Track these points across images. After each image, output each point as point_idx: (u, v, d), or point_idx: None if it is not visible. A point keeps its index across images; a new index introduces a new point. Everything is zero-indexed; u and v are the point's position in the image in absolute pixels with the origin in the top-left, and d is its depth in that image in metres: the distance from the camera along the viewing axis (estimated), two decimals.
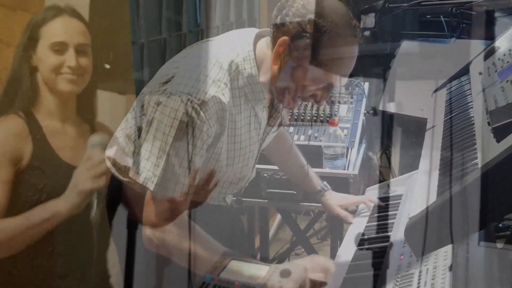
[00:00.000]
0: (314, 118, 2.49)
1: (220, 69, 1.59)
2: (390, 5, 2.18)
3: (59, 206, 1.62)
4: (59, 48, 1.73)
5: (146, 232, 1.60)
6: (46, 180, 1.73)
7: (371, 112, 2.59)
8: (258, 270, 1.40)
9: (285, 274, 1.39)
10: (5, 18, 2.10)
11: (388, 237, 1.73)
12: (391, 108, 2.45)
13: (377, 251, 1.71)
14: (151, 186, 1.54)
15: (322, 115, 2.50)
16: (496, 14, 2.26)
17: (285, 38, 1.55)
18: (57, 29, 1.75)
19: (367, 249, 1.76)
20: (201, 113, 1.51)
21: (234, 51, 1.63)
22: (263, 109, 1.72)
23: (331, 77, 1.58)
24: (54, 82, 1.74)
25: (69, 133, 1.81)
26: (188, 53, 1.71)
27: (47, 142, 1.76)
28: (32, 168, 1.72)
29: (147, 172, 1.54)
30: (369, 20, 2.32)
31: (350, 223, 2.01)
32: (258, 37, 1.65)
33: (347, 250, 1.80)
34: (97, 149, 1.62)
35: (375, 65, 2.64)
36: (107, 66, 1.96)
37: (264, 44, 1.63)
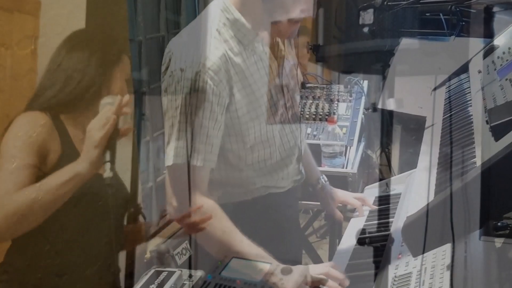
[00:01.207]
0: (313, 116, 2.49)
1: (208, 30, 1.64)
2: (389, 3, 2.17)
3: (78, 166, 1.60)
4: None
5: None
6: None
7: (370, 109, 2.59)
8: (259, 268, 1.40)
9: (286, 271, 1.39)
10: (2, 20, 2.10)
11: (386, 235, 1.73)
12: (390, 106, 2.45)
13: (375, 250, 1.71)
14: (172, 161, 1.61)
15: (321, 113, 2.49)
16: (495, 12, 2.25)
17: None
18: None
19: (366, 245, 1.76)
20: (206, 78, 1.56)
21: (212, 11, 1.68)
22: (264, 48, 1.73)
23: None
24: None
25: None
26: (175, 38, 1.75)
27: (74, 147, 1.77)
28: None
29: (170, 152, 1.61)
30: (368, 17, 2.31)
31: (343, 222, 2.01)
32: None
33: (346, 248, 1.80)
34: (109, 106, 1.62)
35: (374, 61, 2.64)
36: None
37: None
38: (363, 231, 1.87)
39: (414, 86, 2.42)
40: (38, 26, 2.29)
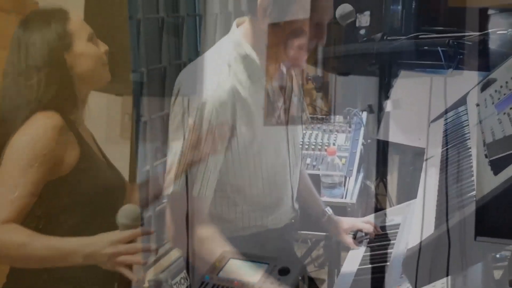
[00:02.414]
0: (313, 146, 2.51)
1: (218, 64, 1.67)
2: (388, 38, 2.21)
3: (78, 251, 1.55)
4: (93, 37, 1.76)
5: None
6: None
7: (367, 109, 2.60)
8: (257, 269, 1.40)
9: (284, 272, 1.40)
10: (0, 21, 2.12)
11: (385, 267, 1.73)
12: (389, 137, 2.47)
13: (374, 281, 1.71)
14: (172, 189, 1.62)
15: (320, 143, 2.51)
16: (493, 46, 2.28)
17: None
18: (82, 22, 1.77)
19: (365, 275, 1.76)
20: (211, 109, 1.59)
21: (224, 45, 1.72)
22: (273, 85, 1.77)
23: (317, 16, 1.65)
24: (99, 74, 1.78)
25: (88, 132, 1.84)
26: (185, 69, 1.78)
27: (89, 146, 1.77)
28: (79, 170, 1.70)
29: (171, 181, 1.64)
30: (364, 19, 2.34)
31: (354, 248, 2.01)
32: (239, 25, 1.74)
33: (346, 278, 1.80)
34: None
35: (374, 90, 2.66)
36: None
37: (247, 24, 1.71)
38: (362, 262, 1.88)
39: (412, 117, 2.44)
40: None
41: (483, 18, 2.45)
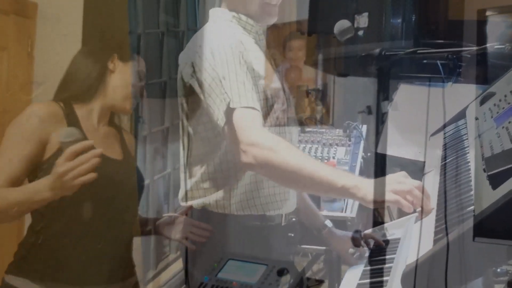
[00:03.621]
0: None
1: (216, 28, 1.89)
2: (386, 53, 2.21)
3: (41, 189, 1.62)
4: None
5: (245, 155, 1.68)
6: None
7: (365, 111, 2.59)
8: (255, 270, 1.40)
9: (282, 273, 1.39)
10: None
11: (385, 282, 1.72)
12: (389, 150, 2.47)
13: None
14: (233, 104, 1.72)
15: (320, 157, 2.51)
16: (492, 60, 2.29)
17: None
18: None
19: None
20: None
21: (214, 15, 1.95)
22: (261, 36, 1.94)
23: None
24: (126, 97, 1.91)
25: (101, 132, 1.91)
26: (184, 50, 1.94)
27: (85, 137, 1.80)
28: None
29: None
30: (363, 20, 2.33)
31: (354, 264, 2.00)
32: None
33: None
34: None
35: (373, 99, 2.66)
36: None
37: None
38: (362, 277, 1.87)
39: (412, 131, 2.44)
40: (35, 28, 2.32)
41: (482, 31, 2.46)
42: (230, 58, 1.75)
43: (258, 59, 1.86)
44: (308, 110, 3.00)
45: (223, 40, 1.80)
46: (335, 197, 2.05)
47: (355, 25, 2.27)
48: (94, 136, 1.83)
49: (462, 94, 2.31)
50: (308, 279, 1.47)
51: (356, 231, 2.02)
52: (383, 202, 1.58)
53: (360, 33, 2.30)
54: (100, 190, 1.77)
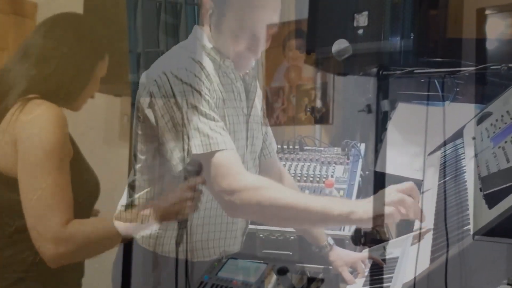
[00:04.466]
0: (311, 178, 2.51)
1: (182, 54, 1.80)
2: (384, 72, 2.23)
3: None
4: None
5: (224, 198, 1.61)
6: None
7: (365, 109, 2.59)
8: (255, 269, 1.40)
9: (282, 272, 1.39)
10: None
11: None
12: (386, 169, 2.47)
13: None
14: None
15: (318, 175, 2.51)
16: (490, 79, 2.30)
17: None
18: None
19: None
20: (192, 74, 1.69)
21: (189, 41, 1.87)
22: (235, 74, 1.85)
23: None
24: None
25: None
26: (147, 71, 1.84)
27: (78, 148, 1.82)
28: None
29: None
30: (362, 19, 2.34)
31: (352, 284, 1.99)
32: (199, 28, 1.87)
33: None
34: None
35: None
36: None
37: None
38: None
39: (410, 149, 2.45)
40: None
41: (480, 50, 2.48)
42: (190, 90, 1.67)
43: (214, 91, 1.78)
44: (307, 128, 3.00)
45: (182, 70, 1.70)
46: (332, 226, 2.02)
47: (355, 24, 2.28)
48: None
49: (460, 113, 2.32)
50: (307, 277, 1.47)
51: (356, 230, 2.02)
52: (378, 217, 1.58)
53: (360, 31, 2.31)
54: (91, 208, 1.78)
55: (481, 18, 2.55)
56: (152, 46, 2.70)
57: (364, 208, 1.58)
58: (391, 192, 1.62)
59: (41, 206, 1.58)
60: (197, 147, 1.61)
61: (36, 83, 1.73)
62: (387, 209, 1.56)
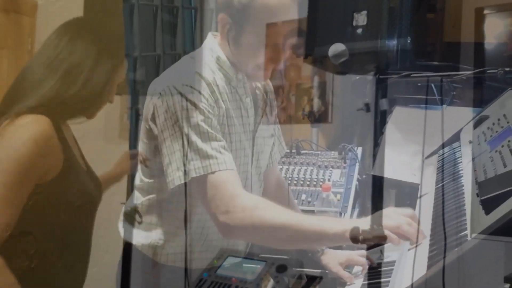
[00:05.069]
0: (308, 182, 2.51)
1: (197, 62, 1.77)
2: (380, 76, 2.22)
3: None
4: None
5: (219, 218, 1.59)
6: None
7: (363, 108, 2.58)
8: (254, 266, 1.40)
9: (281, 269, 1.39)
10: None
11: None
12: (383, 172, 2.47)
13: None
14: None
15: (315, 179, 2.51)
16: (487, 82, 2.30)
17: (222, 14, 1.74)
18: None
19: None
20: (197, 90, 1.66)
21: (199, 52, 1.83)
22: (245, 89, 1.83)
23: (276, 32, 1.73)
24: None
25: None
26: (158, 78, 1.83)
27: (76, 160, 1.78)
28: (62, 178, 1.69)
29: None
30: (361, 18, 2.34)
31: (352, 284, 1.99)
32: (214, 36, 1.84)
33: None
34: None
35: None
36: None
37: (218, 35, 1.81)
38: None
39: (407, 153, 2.45)
40: (35, 26, 2.32)
41: (478, 53, 2.47)
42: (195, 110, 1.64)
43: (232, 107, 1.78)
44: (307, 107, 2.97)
45: (187, 87, 1.67)
46: (326, 245, 2.01)
47: (354, 23, 2.27)
48: (71, 140, 1.82)
49: (457, 116, 2.32)
50: (306, 276, 1.46)
51: (354, 228, 2.01)
52: (374, 238, 1.56)
53: (359, 31, 2.31)
54: (94, 211, 1.78)
55: (479, 18, 2.55)
56: (148, 50, 2.70)
57: (360, 227, 1.56)
58: (390, 214, 1.59)
59: None
60: (196, 170, 1.60)
61: (59, 96, 1.70)
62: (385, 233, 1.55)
